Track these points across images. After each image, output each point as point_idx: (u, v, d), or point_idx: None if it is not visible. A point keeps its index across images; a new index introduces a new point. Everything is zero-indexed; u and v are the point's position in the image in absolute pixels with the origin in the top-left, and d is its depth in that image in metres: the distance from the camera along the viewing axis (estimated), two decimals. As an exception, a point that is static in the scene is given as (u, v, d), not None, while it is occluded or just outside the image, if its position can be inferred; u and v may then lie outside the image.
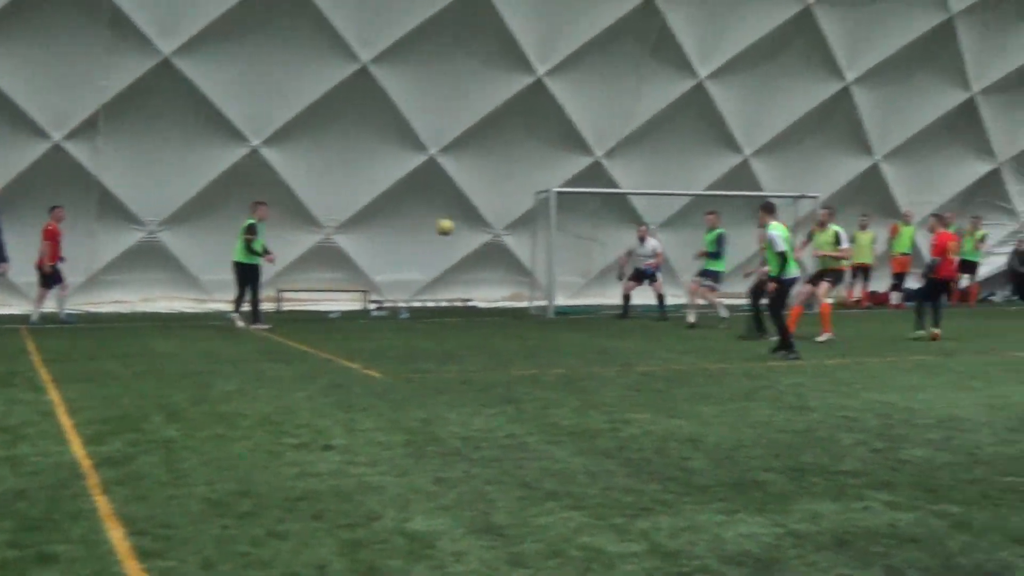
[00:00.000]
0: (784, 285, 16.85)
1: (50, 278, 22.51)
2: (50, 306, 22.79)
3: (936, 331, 19.63)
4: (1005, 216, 33.33)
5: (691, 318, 22.37)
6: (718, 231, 22.72)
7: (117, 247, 25.34)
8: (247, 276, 21.82)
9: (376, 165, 26.34)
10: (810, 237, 21.10)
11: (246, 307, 21.83)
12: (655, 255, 25.13)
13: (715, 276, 22.84)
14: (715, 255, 22.70)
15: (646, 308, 25.35)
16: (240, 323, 21.56)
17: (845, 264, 21.25)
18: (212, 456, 8.80)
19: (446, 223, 20.73)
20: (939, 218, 22.09)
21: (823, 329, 19.55)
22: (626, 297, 25.20)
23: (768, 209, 17.44)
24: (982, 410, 11.44)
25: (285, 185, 25.54)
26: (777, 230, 16.86)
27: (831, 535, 6.59)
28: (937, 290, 20.50)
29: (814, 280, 20.38)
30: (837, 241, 20.06)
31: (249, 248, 21.69)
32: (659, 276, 25.31)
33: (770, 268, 17.01)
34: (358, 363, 15.45)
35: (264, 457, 8.77)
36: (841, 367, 15.48)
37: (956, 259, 22.12)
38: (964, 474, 8.30)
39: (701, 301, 23.04)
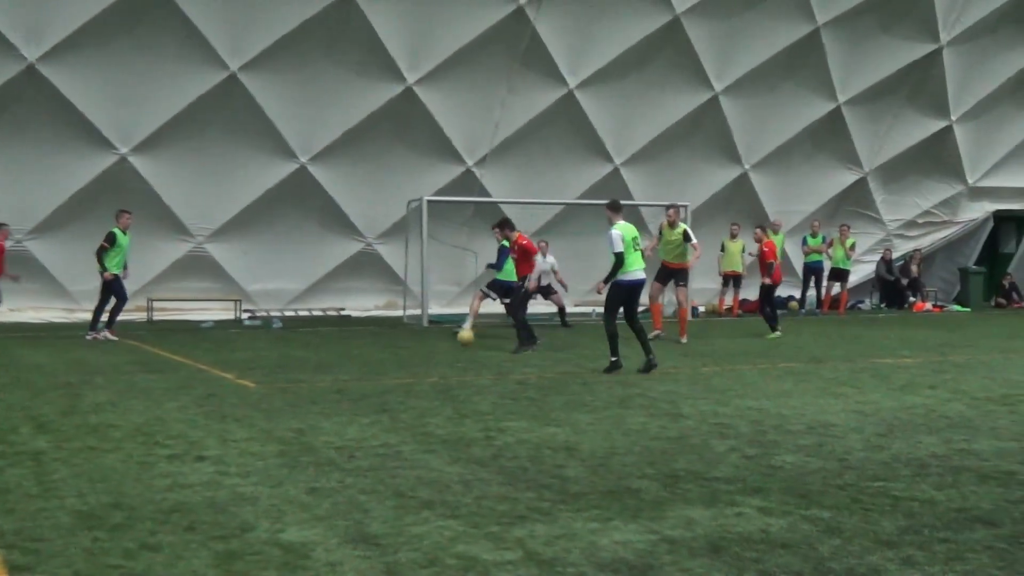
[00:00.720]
0: (625, 288, 15.98)
1: None
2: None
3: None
4: (872, 225, 34.05)
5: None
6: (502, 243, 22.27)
7: (-18, 257, 24.76)
8: (107, 285, 21.39)
9: (247, 173, 26.09)
10: (661, 235, 21.68)
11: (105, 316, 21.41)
12: (554, 270, 25.38)
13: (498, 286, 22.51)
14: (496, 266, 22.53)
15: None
16: (110, 335, 21.11)
17: (690, 261, 21.73)
18: (83, 468, 8.63)
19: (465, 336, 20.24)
20: (764, 229, 24.11)
21: (681, 332, 20.93)
22: (561, 308, 25.52)
23: (614, 208, 16.61)
24: (852, 416, 11.65)
25: (154, 193, 25.18)
26: (621, 230, 16.07)
27: (705, 541, 6.66)
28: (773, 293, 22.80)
29: (662, 280, 21.31)
30: (687, 238, 20.81)
31: (99, 257, 21.26)
32: (558, 289, 25.48)
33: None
34: (231, 373, 15.28)
35: (136, 469, 8.63)
36: (714, 374, 15.69)
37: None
38: (835, 480, 8.45)
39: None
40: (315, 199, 26.95)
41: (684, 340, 20.81)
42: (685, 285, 21.78)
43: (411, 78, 26.26)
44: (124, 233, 21.44)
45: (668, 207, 22.10)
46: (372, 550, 6.41)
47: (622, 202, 17.40)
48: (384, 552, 6.37)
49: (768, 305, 22.84)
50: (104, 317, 21.34)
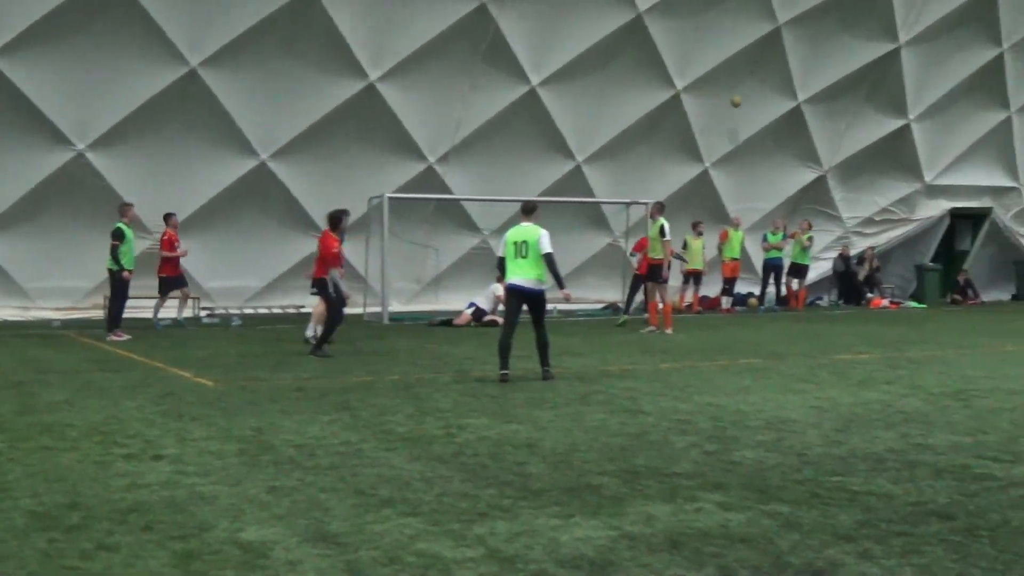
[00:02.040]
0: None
1: None
2: None
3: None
4: (830, 222, 34.22)
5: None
6: None
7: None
8: (121, 283, 21.15)
9: (207, 170, 25.91)
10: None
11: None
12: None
13: None
14: None
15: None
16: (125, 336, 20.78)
17: (659, 256, 22.04)
18: (38, 468, 8.57)
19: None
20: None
21: (667, 324, 22.03)
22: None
23: (527, 210, 15.40)
24: (810, 412, 11.72)
25: (112, 190, 24.96)
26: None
27: (665, 536, 6.68)
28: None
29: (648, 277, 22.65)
30: (662, 233, 21.21)
31: (114, 254, 21.02)
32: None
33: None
34: (189, 371, 15.22)
35: (93, 468, 8.58)
36: (674, 371, 15.73)
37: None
38: (793, 474, 8.50)
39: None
40: (275, 196, 26.83)
41: (669, 331, 22.04)
42: (659, 282, 22.39)
43: (373, 75, 26.18)
44: (129, 227, 21.25)
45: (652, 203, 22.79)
46: (332, 548, 6.40)
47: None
48: (344, 550, 6.36)
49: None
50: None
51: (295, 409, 11.72)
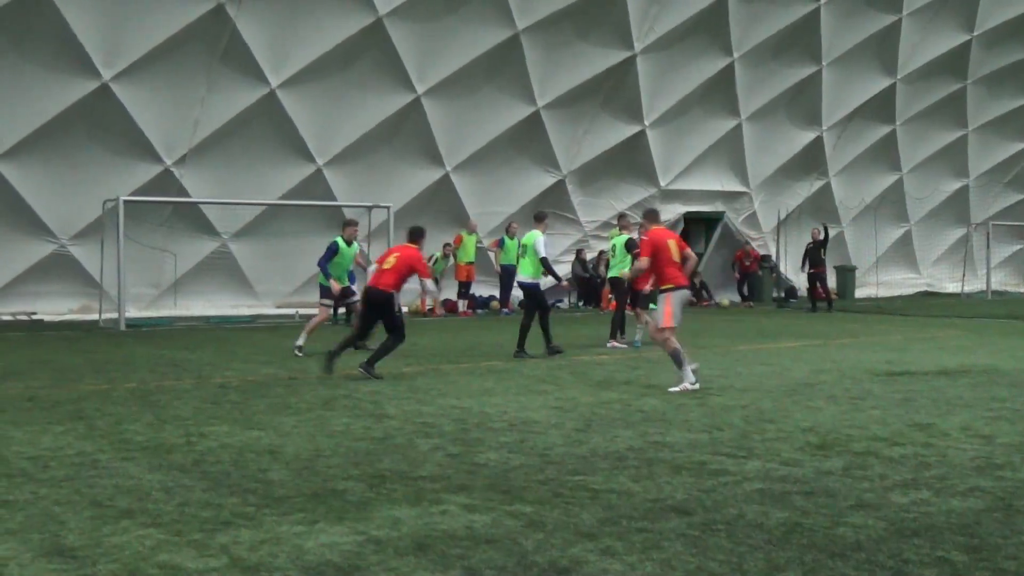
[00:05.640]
0: None
1: None
2: None
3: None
4: (569, 226, 34.86)
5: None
6: None
7: None
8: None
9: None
10: None
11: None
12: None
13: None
14: None
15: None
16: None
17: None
18: None
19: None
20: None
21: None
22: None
23: (538, 218, 19.10)
24: (552, 413, 11.92)
25: None
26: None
27: (411, 540, 6.70)
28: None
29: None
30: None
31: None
32: None
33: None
34: (-89, 382, 14.53)
35: None
36: (418, 374, 15.79)
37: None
38: (537, 475, 8.62)
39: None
40: (4, 198, 25.77)
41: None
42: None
43: (107, 74, 25.41)
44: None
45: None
46: (69, 563, 6.21)
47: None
48: (82, 564, 6.18)
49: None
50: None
51: (26, 419, 11.31)
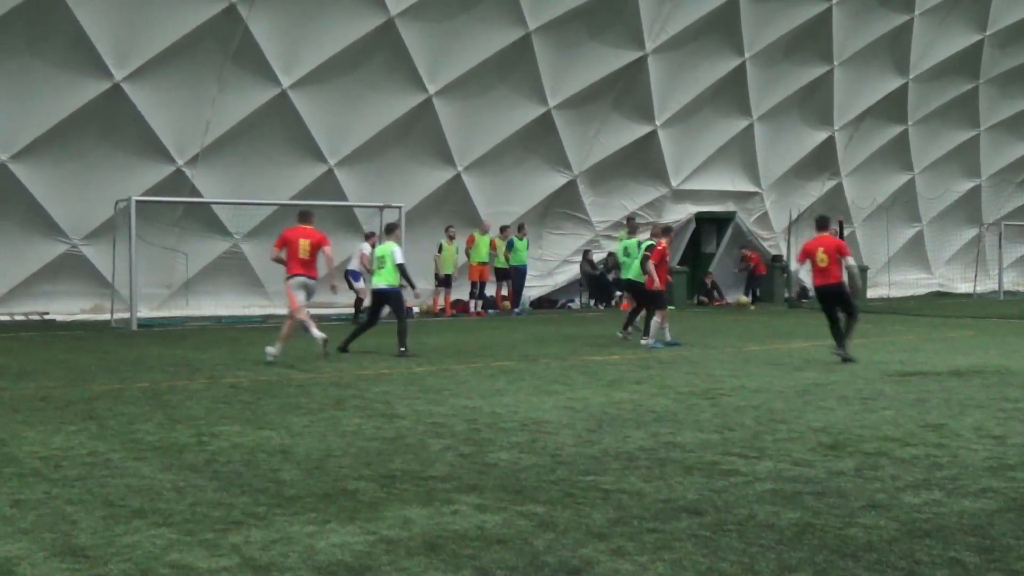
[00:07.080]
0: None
1: None
2: None
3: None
4: (580, 226, 34.86)
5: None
6: None
7: None
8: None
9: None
10: None
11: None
12: None
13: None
14: None
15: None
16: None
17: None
18: None
19: None
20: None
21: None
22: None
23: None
24: (563, 413, 11.90)
25: None
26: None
27: (422, 540, 6.69)
28: None
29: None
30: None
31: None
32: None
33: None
34: (-77, 382, 14.57)
35: None
36: (429, 374, 15.78)
37: None
38: (548, 475, 8.61)
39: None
40: (16, 198, 25.86)
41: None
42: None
43: (119, 75, 25.48)
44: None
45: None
46: (81, 562, 6.20)
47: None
48: (93, 564, 6.17)
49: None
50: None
51: (39, 419, 11.33)
